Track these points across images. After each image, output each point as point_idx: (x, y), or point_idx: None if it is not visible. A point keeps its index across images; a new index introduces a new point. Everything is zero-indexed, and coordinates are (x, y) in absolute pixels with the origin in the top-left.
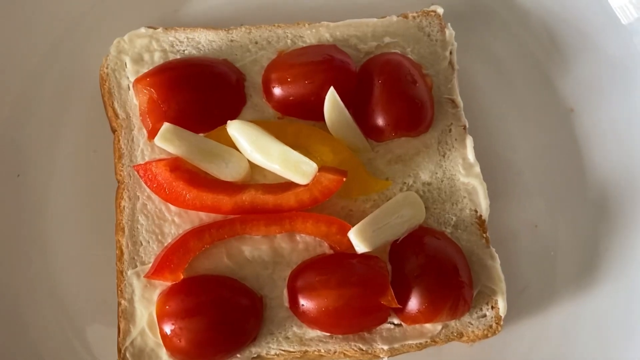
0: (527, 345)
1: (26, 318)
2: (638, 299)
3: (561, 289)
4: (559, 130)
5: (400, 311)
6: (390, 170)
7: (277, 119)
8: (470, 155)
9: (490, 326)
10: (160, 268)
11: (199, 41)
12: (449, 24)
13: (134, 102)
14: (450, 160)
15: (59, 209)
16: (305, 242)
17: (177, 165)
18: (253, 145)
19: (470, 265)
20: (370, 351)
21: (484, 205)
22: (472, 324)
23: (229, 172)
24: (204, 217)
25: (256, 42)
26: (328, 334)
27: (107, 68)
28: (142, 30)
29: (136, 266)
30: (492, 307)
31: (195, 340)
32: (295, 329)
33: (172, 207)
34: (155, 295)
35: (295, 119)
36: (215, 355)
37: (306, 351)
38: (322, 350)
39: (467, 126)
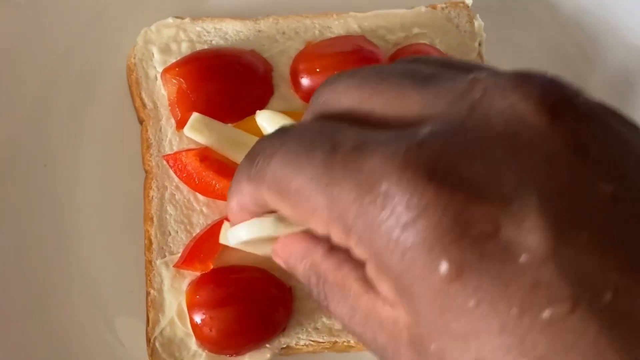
0: None
1: (54, 306)
2: None
3: None
4: None
5: None
6: None
7: (305, 109)
8: None
9: None
10: (190, 258)
11: (226, 31)
12: (477, 15)
13: (162, 92)
14: None
15: (86, 198)
16: None
17: (206, 155)
18: None
19: None
20: None
21: None
22: None
23: None
24: None
25: (284, 33)
26: None
27: (134, 58)
28: (170, 20)
29: (165, 256)
30: None
31: (226, 329)
32: (324, 319)
33: (201, 197)
34: (184, 285)
35: None
36: (245, 345)
37: (335, 342)
38: (352, 342)
39: None
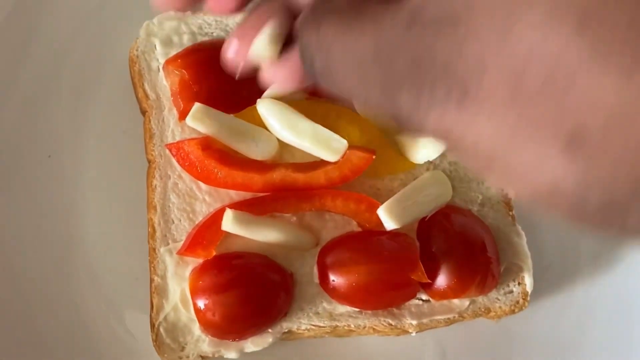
0: (551, 321)
1: (60, 296)
2: None
3: (585, 266)
4: None
5: (428, 287)
6: None
7: (305, 99)
8: None
9: (517, 302)
10: (193, 245)
11: (227, 24)
12: None
13: (164, 83)
14: None
15: (90, 188)
16: (334, 220)
17: (208, 144)
18: (283, 123)
19: (497, 242)
20: (399, 326)
21: None
22: (499, 300)
23: (259, 150)
24: (234, 195)
25: None
26: (357, 310)
27: (137, 50)
28: (171, 13)
29: (168, 244)
30: (519, 283)
31: (229, 314)
32: (325, 304)
33: (203, 186)
34: (187, 272)
35: (324, 100)
36: (247, 330)
37: (336, 326)
38: (352, 326)
39: None
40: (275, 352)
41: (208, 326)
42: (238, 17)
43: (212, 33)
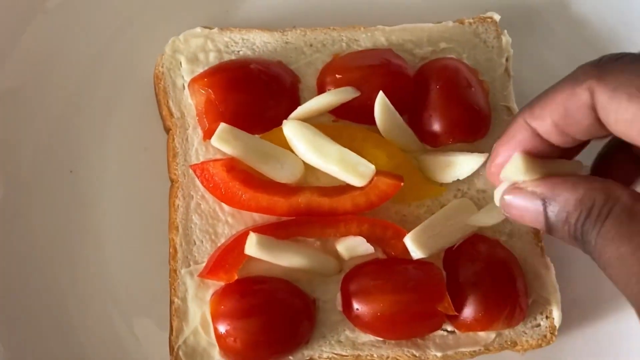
0: (579, 356)
1: (78, 315)
2: None
3: (613, 300)
4: None
5: (454, 318)
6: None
7: (332, 122)
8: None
9: (545, 336)
10: (215, 268)
11: (253, 42)
12: (505, 31)
13: (189, 101)
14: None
15: (111, 205)
16: None
17: (232, 166)
18: (309, 145)
19: (524, 274)
20: (423, 357)
21: None
22: (526, 333)
23: (284, 173)
24: (257, 218)
25: (311, 45)
26: (381, 339)
27: (162, 67)
28: (198, 30)
29: (189, 265)
30: (547, 317)
31: (250, 340)
32: (348, 332)
33: (226, 208)
34: (208, 295)
35: (350, 123)
36: (268, 357)
37: (359, 355)
38: (375, 355)
39: None
40: None
41: (228, 352)
42: (265, 36)
43: (238, 51)
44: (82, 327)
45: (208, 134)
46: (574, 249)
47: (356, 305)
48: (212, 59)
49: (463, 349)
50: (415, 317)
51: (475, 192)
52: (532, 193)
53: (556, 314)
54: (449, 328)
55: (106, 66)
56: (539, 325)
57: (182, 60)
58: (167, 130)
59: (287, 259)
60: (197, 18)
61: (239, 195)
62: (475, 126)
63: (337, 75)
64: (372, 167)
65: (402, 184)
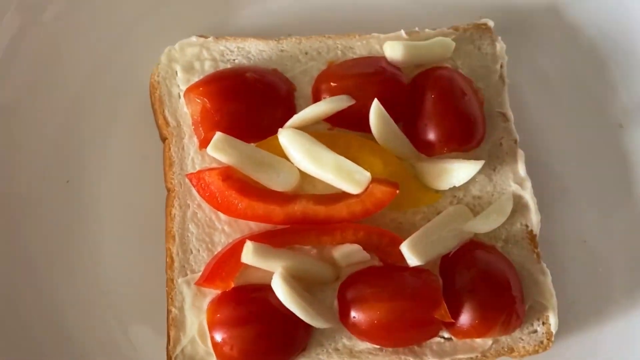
0: None
1: (75, 324)
2: None
3: (609, 305)
4: (608, 146)
5: (451, 325)
6: None
7: (327, 130)
8: (522, 169)
9: (541, 342)
10: (211, 276)
11: (249, 51)
12: (499, 38)
13: (185, 110)
14: (500, 174)
15: (108, 214)
16: None
17: (228, 175)
18: (305, 154)
19: (521, 280)
20: None
21: (534, 220)
22: (522, 339)
23: (280, 182)
24: (254, 226)
25: (306, 53)
26: (378, 347)
27: (158, 76)
28: (193, 39)
29: (186, 274)
30: (543, 323)
31: (247, 349)
32: (345, 340)
33: (222, 216)
34: (205, 304)
35: (346, 130)
36: None
37: None
38: None
39: (518, 140)
40: None
41: None
42: (260, 45)
43: (234, 60)
44: (80, 336)
45: (204, 143)
46: (570, 255)
47: (353, 313)
48: (208, 68)
49: (460, 356)
50: (412, 324)
51: (471, 199)
52: None
53: (553, 320)
54: (446, 335)
55: (102, 76)
56: (535, 331)
57: (177, 69)
58: (163, 139)
59: (283, 267)
60: (193, 27)
61: (235, 204)
62: (470, 136)
63: (332, 83)
64: (368, 174)
65: (397, 191)
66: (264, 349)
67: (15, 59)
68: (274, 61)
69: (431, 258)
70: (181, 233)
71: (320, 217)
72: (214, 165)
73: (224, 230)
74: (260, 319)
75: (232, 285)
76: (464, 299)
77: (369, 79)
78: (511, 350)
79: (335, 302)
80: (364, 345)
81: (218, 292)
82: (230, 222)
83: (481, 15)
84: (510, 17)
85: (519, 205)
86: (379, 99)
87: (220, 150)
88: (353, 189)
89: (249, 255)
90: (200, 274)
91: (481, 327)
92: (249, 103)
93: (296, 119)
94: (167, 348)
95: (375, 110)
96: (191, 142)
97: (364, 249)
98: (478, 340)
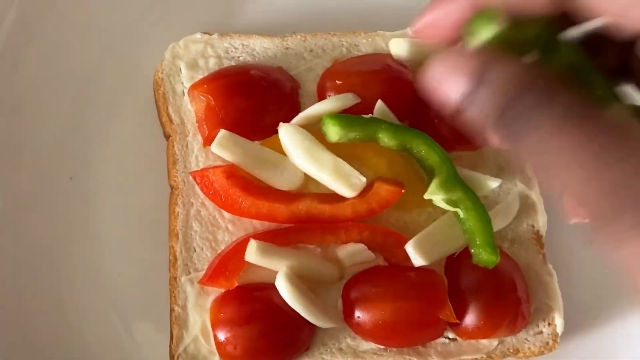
0: None
1: (77, 322)
2: None
3: (616, 306)
4: None
5: (456, 326)
6: None
7: None
8: (529, 169)
9: (547, 343)
10: (215, 274)
11: (253, 48)
12: None
13: (189, 107)
14: (507, 174)
15: (111, 212)
16: None
17: (232, 173)
18: (303, 152)
19: (527, 281)
20: None
21: (541, 220)
22: (528, 340)
23: (284, 180)
24: (258, 225)
25: (311, 50)
26: (382, 347)
27: (162, 73)
28: (198, 35)
29: (190, 273)
30: (549, 324)
31: (250, 348)
32: (349, 340)
33: (226, 215)
34: (208, 303)
35: None
36: None
37: None
38: None
39: None
40: None
41: (229, 359)
42: (265, 42)
43: (238, 57)
44: (82, 334)
45: (208, 141)
46: (577, 256)
47: (357, 313)
48: (212, 65)
49: (465, 357)
50: (416, 324)
51: None
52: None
53: (558, 321)
54: (451, 335)
55: (106, 72)
56: (541, 332)
57: (181, 66)
58: (167, 136)
59: (287, 266)
60: (197, 24)
61: (239, 202)
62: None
63: (337, 81)
64: (364, 179)
65: (403, 190)
66: (267, 348)
67: (17, 56)
68: (278, 59)
69: (437, 258)
70: (184, 231)
71: (324, 216)
72: (218, 163)
73: (227, 228)
74: (264, 318)
75: (236, 284)
76: (470, 300)
77: (375, 76)
78: (516, 351)
79: (340, 302)
80: (368, 345)
81: (221, 290)
82: (234, 221)
83: None
84: None
85: (525, 206)
86: (384, 97)
87: (225, 148)
88: (347, 192)
89: (252, 254)
90: (203, 272)
91: (487, 328)
92: (254, 101)
93: (301, 117)
94: (170, 346)
95: (379, 110)
96: (195, 140)
97: (369, 248)
98: (483, 341)
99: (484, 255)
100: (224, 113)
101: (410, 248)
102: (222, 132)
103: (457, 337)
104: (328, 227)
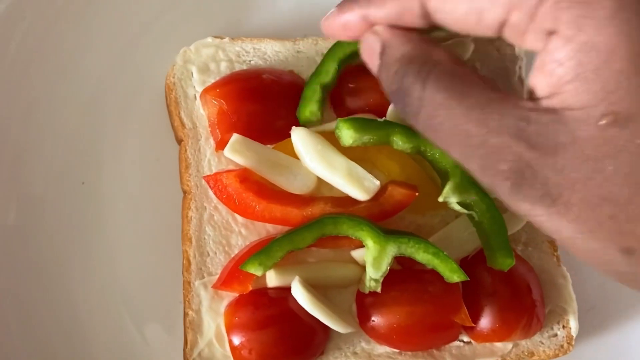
0: None
1: (90, 326)
2: None
3: (631, 308)
4: None
5: (471, 329)
6: None
7: None
8: None
9: (562, 345)
10: (229, 279)
11: (265, 52)
12: None
13: (201, 112)
14: None
15: (124, 217)
16: None
17: (246, 177)
18: (316, 156)
19: (541, 284)
20: None
21: None
22: (543, 343)
23: (298, 184)
24: (271, 229)
25: (322, 54)
26: (397, 351)
27: (173, 77)
28: (209, 40)
29: (203, 277)
30: (564, 327)
31: (265, 352)
32: (363, 344)
33: (239, 219)
34: (222, 307)
35: None
36: None
37: None
38: None
39: None
40: None
41: None
42: (276, 45)
43: (250, 61)
44: (95, 339)
45: (221, 145)
46: None
47: (372, 317)
48: (224, 69)
49: None
50: (431, 328)
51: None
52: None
53: (573, 324)
54: (466, 339)
55: (117, 77)
56: (555, 335)
57: (193, 71)
58: (179, 141)
59: (300, 270)
60: (208, 28)
61: (252, 206)
62: None
63: (349, 84)
64: (377, 182)
65: (416, 193)
66: (282, 352)
67: (30, 62)
68: (290, 62)
69: None
70: (198, 235)
71: None
72: (231, 167)
73: (240, 232)
74: (279, 322)
75: (250, 288)
76: (484, 303)
77: None
78: (531, 354)
79: (354, 306)
80: (382, 349)
81: (236, 294)
82: (247, 225)
83: None
84: None
85: None
86: None
87: (238, 152)
88: (361, 195)
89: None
90: (217, 276)
91: (501, 331)
92: (266, 105)
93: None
94: (184, 351)
95: (392, 114)
96: (207, 144)
97: None
98: (498, 344)
99: (498, 258)
100: (236, 117)
101: None
102: (235, 137)
103: (472, 341)
104: None
